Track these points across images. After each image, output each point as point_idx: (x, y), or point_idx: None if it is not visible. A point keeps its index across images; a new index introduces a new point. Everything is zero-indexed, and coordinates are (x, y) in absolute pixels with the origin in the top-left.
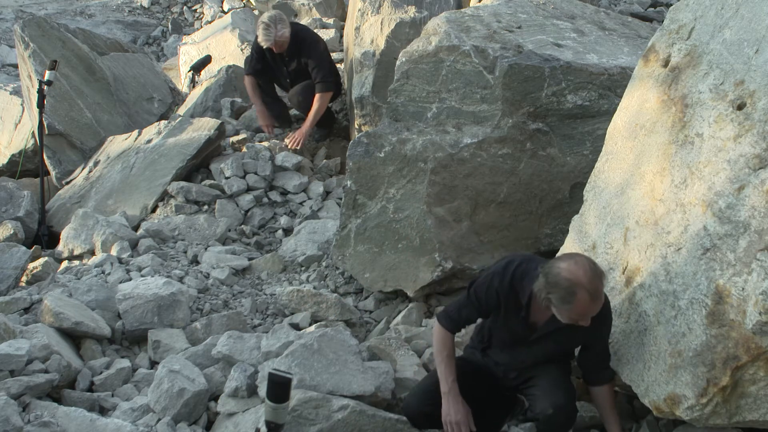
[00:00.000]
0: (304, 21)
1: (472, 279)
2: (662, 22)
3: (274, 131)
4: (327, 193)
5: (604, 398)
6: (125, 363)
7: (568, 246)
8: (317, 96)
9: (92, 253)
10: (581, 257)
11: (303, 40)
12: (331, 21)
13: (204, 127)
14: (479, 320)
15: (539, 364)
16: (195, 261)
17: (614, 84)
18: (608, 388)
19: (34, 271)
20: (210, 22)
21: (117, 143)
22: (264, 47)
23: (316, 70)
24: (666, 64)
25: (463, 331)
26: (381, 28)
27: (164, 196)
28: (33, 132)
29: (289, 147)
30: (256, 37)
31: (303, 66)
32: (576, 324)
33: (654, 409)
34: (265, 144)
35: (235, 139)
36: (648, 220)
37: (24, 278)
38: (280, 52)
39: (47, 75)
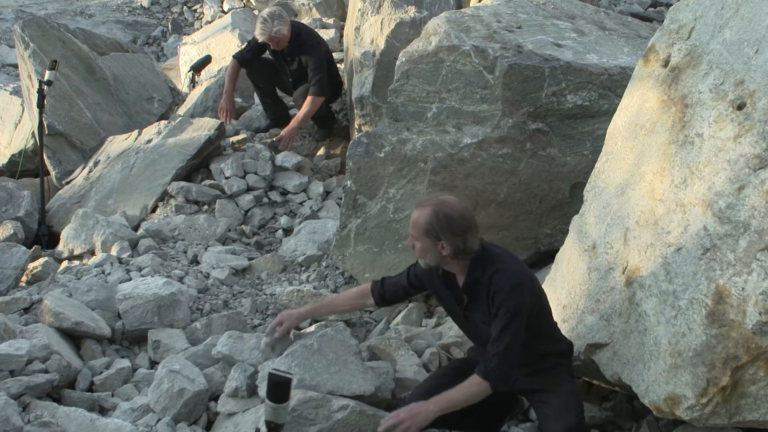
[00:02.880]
0: (304, 21)
1: None
2: (662, 22)
3: (229, 120)
4: (327, 193)
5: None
6: (125, 363)
7: (568, 246)
8: (309, 98)
9: (92, 253)
10: (458, 202)
11: (304, 41)
12: (331, 21)
13: (204, 127)
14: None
15: (536, 371)
16: (195, 261)
17: (614, 84)
18: (472, 378)
19: (34, 271)
20: (210, 22)
21: (117, 143)
22: (260, 41)
23: (313, 73)
24: (666, 64)
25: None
26: (381, 28)
27: (164, 196)
28: (33, 132)
29: (279, 149)
30: None
31: (303, 67)
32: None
33: (654, 409)
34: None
35: (235, 139)
36: (648, 220)
37: (24, 278)
38: (276, 49)
39: (47, 75)
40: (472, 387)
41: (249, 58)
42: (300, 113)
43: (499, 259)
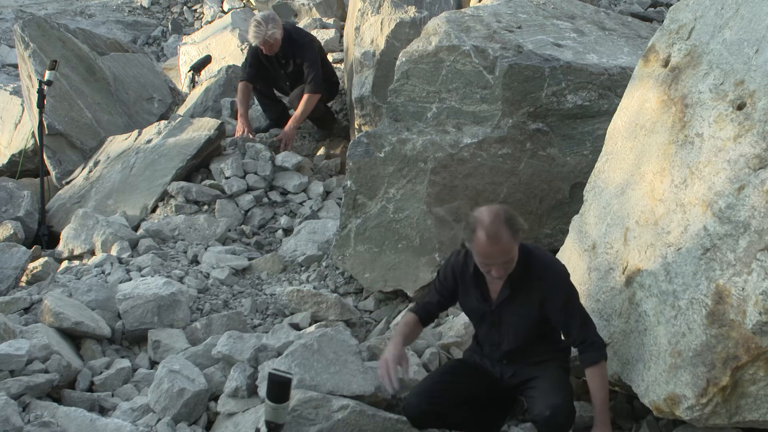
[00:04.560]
0: (304, 21)
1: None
2: (662, 22)
3: (247, 135)
4: (327, 193)
5: (589, 381)
6: (125, 363)
7: (568, 246)
8: (305, 96)
9: (92, 253)
10: (498, 205)
11: (296, 42)
12: (331, 21)
13: (204, 127)
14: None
15: (534, 364)
16: (195, 261)
17: (614, 84)
18: (592, 371)
19: (34, 271)
20: (210, 22)
21: (117, 143)
22: (253, 45)
23: (308, 71)
24: (666, 64)
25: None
26: (381, 28)
27: (164, 196)
28: (33, 132)
29: (279, 149)
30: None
31: (299, 67)
32: (490, 276)
33: (654, 409)
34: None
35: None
36: (648, 220)
37: (24, 278)
38: (269, 53)
39: (47, 75)
40: (601, 374)
41: (254, 72)
42: (297, 112)
43: (538, 252)
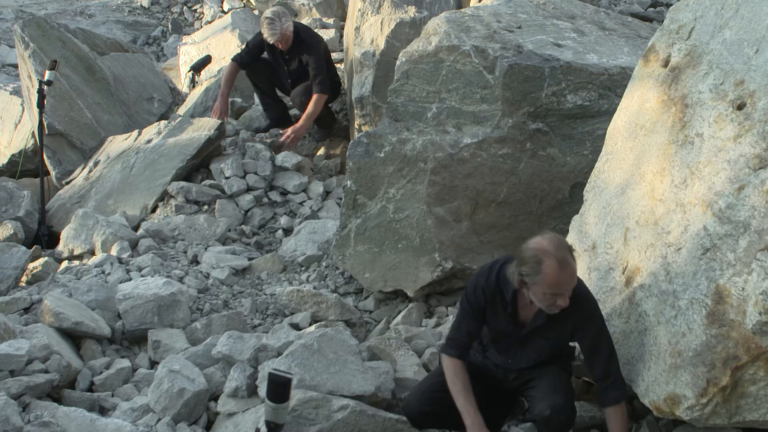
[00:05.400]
0: (304, 21)
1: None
2: (662, 22)
3: (221, 117)
4: (327, 193)
5: (610, 421)
6: (125, 363)
7: None
8: (315, 96)
9: (92, 253)
10: (549, 233)
11: (304, 41)
12: (331, 21)
13: (204, 127)
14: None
15: (537, 366)
16: (195, 261)
17: (614, 84)
18: (614, 410)
19: (34, 271)
20: (210, 22)
21: (117, 143)
22: (271, 42)
23: (315, 71)
24: (666, 64)
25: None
26: (381, 28)
27: (164, 196)
28: (33, 132)
29: (285, 146)
30: (258, 33)
31: (304, 66)
32: (555, 307)
33: (654, 409)
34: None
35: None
36: (648, 220)
37: (24, 278)
38: (285, 49)
39: (47, 75)
40: (623, 414)
41: (248, 60)
42: (307, 112)
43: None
